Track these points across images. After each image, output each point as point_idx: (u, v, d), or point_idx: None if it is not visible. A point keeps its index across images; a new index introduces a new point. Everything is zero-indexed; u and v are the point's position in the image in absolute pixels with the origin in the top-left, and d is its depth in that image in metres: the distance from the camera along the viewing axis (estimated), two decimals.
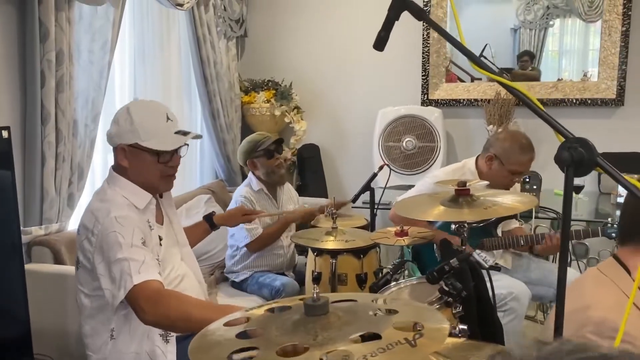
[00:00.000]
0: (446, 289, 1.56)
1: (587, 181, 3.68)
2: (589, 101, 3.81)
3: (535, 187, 3.19)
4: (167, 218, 1.97)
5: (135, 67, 3.33)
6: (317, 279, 2.59)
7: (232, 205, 3.14)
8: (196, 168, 4.08)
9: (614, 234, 2.44)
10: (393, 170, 4.01)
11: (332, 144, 4.41)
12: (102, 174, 3.05)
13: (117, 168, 1.87)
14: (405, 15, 1.31)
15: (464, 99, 4.04)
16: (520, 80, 3.91)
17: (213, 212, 2.30)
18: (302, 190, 4.32)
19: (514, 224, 2.83)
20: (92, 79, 2.77)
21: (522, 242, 2.58)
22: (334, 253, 2.26)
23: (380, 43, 1.37)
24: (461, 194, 1.75)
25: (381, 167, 3.05)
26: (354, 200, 3.02)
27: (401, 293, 1.77)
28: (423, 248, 2.72)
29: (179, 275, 1.87)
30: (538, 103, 1.10)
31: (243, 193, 3.11)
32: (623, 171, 1.40)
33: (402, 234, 2.08)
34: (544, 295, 2.85)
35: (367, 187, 3.03)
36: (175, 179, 1.95)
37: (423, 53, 4.02)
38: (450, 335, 1.58)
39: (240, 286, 3.20)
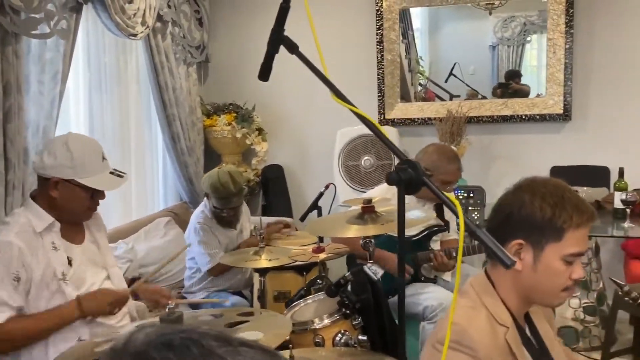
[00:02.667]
0: (344, 301, 1.65)
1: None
2: (538, 117, 3.91)
3: (479, 201, 3.28)
4: (93, 238, 2.05)
5: (91, 94, 3.43)
6: (260, 297, 2.68)
7: (190, 229, 3.23)
8: (159, 191, 4.16)
9: None
10: (353, 188, 4.13)
11: (296, 164, 4.52)
12: None
13: (35, 194, 1.94)
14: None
15: (418, 118, 4.15)
16: (517, 96, 4.02)
17: (139, 276, 2.36)
18: (267, 210, 4.41)
19: (448, 235, 2.90)
20: (42, 108, 2.86)
21: (446, 253, 2.63)
22: (262, 271, 2.35)
23: (263, 74, 1.49)
24: (366, 211, 1.85)
25: (327, 186, 3.15)
26: (302, 218, 3.12)
27: (308, 308, 1.86)
28: None
29: None
30: (383, 130, 1.21)
31: (200, 220, 3.20)
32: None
33: (318, 250, 2.17)
34: None
35: (315, 205, 3.13)
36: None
37: (378, 75, 4.14)
38: (347, 345, 1.67)
39: (196, 306, 3.27)
